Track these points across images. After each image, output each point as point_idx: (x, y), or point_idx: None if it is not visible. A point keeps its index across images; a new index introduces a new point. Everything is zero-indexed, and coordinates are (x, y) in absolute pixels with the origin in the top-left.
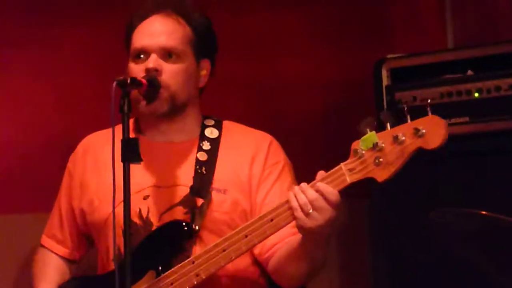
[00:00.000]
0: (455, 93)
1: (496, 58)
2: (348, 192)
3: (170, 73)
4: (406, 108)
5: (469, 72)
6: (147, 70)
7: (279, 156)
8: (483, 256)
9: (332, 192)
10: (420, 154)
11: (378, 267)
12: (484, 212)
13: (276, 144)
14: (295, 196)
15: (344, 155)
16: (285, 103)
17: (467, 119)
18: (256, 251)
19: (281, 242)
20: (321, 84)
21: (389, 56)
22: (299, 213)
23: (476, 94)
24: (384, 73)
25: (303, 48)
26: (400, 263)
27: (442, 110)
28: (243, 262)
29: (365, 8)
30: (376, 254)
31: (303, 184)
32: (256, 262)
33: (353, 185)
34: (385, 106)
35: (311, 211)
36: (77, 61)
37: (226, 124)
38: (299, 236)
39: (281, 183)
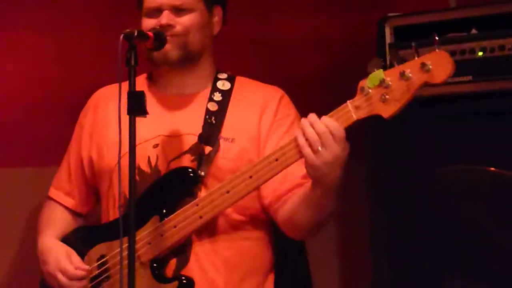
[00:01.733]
0: (458, 52)
1: (500, 17)
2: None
3: (183, 25)
4: (413, 45)
5: (473, 31)
6: (160, 26)
7: (289, 109)
8: (487, 213)
9: (338, 127)
10: (422, 113)
11: (377, 228)
12: (493, 169)
13: (287, 98)
14: (304, 130)
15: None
16: (287, 63)
17: (470, 78)
18: (266, 201)
19: (291, 192)
20: (324, 43)
21: (391, 14)
22: (307, 150)
23: (480, 53)
24: (387, 31)
25: (306, 7)
26: (400, 223)
27: None
28: (248, 210)
29: None
30: (376, 214)
31: (312, 115)
32: (262, 210)
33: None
34: (388, 64)
35: (319, 148)
36: (80, 15)
37: (239, 78)
38: (308, 184)
39: (290, 135)
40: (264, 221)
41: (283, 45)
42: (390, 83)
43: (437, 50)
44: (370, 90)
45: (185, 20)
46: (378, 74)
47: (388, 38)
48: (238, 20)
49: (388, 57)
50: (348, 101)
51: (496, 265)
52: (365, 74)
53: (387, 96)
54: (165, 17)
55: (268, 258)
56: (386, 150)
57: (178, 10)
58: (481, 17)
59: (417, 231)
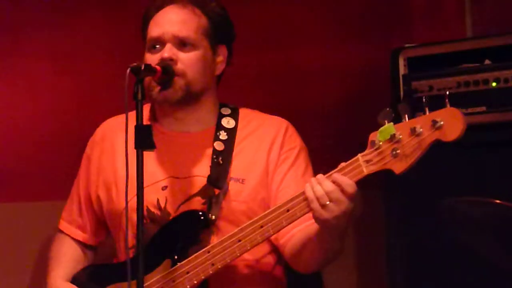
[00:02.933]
0: (472, 82)
1: None
2: (363, 183)
3: (186, 62)
4: (424, 100)
5: (487, 62)
6: (162, 60)
7: (295, 141)
8: (494, 244)
9: (349, 183)
10: (437, 143)
11: (393, 256)
12: (497, 201)
13: (292, 129)
14: (312, 188)
15: (361, 144)
16: (302, 93)
17: (484, 108)
18: (273, 236)
19: (298, 227)
20: (338, 73)
21: (407, 45)
22: (315, 205)
23: (494, 84)
24: (401, 62)
25: (320, 37)
26: (415, 252)
27: (459, 99)
28: (259, 251)
29: None
30: (391, 243)
31: (320, 176)
32: (273, 251)
33: (369, 176)
34: (401, 95)
35: (327, 202)
36: (94, 47)
37: (243, 111)
38: (315, 225)
39: (296, 168)
40: (276, 262)
41: (296, 75)
42: (401, 137)
43: (448, 107)
44: (381, 144)
45: (188, 57)
46: (388, 128)
47: (402, 70)
48: (250, 50)
49: (401, 88)
50: (359, 155)
51: None
52: (377, 105)
53: (398, 151)
54: (167, 50)
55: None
56: (402, 181)
57: (182, 45)
58: (495, 48)
59: (431, 263)
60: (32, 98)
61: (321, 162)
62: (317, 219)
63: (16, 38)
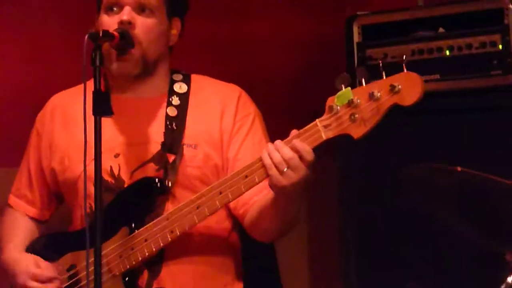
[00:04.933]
0: (426, 50)
1: (467, 15)
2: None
3: (143, 27)
4: (380, 65)
5: (440, 30)
6: (121, 22)
7: (249, 107)
8: (454, 212)
9: (308, 150)
10: (391, 112)
11: (347, 225)
12: (458, 168)
13: (245, 96)
14: (269, 154)
15: (316, 114)
16: (256, 63)
17: (438, 76)
18: (231, 205)
19: (256, 197)
20: (292, 42)
21: (360, 13)
22: (273, 171)
23: (447, 52)
24: (355, 30)
25: (273, 7)
26: (368, 222)
27: (413, 67)
28: (215, 217)
29: None
30: (345, 211)
31: (278, 142)
32: (229, 216)
33: (327, 141)
34: (356, 63)
35: (285, 169)
36: (46, 13)
37: (195, 77)
38: (272, 193)
39: (253, 135)
40: (232, 228)
41: (252, 45)
42: (359, 102)
43: (405, 71)
44: (339, 109)
45: (147, 22)
46: (346, 93)
47: (356, 37)
48: (204, 20)
49: (356, 56)
50: (317, 120)
51: (464, 265)
52: (332, 73)
53: (356, 116)
54: (126, 13)
55: (237, 265)
56: (355, 148)
57: (141, 10)
58: (449, 16)
59: (385, 232)
60: None
61: (275, 132)
62: (274, 186)
63: None
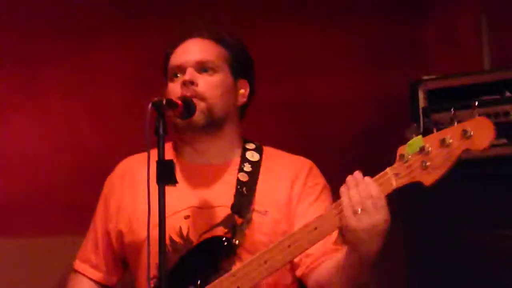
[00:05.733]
0: (492, 114)
1: None
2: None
3: (206, 84)
4: (453, 112)
5: (507, 94)
6: (183, 83)
7: (318, 179)
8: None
9: (380, 194)
10: (457, 175)
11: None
12: None
13: (316, 169)
14: (349, 188)
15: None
16: (318, 125)
17: (505, 141)
18: (296, 261)
19: (323, 257)
20: (356, 106)
21: (425, 77)
22: (349, 212)
23: None
24: (421, 95)
25: (337, 69)
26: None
27: None
28: (278, 275)
29: (399, 27)
30: (411, 271)
31: (358, 174)
32: (290, 271)
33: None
34: (421, 129)
35: (359, 210)
36: (111, 80)
37: (267, 149)
38: (343, 251)
39: (320, 203)
40: (291, 283)
41: (312, 107)
42: (430, 149)
43: (477, 117)
44: (410, 157)
45: (210, 79)
46: (417, 141)
47: (421, 102)
48: (267, 82)
49: (422, 121)
50: (388, 168)
51: None
52: (399, 138)
53: (428, 163)
54: (188, 74)
55: None
56: (422, 213)
57: (203, 70)
58: None
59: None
60: (48, 130)
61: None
62: (347, 229)
63: (33, 74)
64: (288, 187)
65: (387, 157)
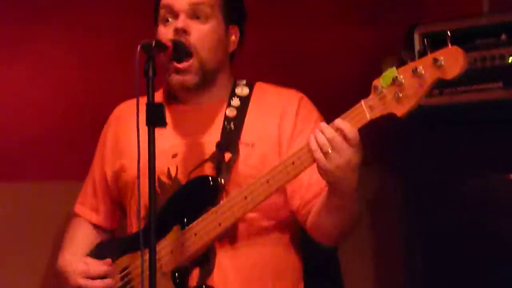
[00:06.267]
0: (488, 58)
1: None
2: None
3: (199, 34)
4: (426, 42)
5: (503, 37)
6: (176, 31)
7: (311, 112)
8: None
9: (351, 129)
10: (451, 119)
11: (411, 238)
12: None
13: (306, 100)
14: (314, 136)
15: (375, 122)
16: (316, 71)
17: (500, 84)
18: (294, 207)
19: (317, 198)
20: (352, 51)
21: (422, 21)
22: (318, 154)
23: (510, 59)
24: (416, 38)
25: (330, 16)
26: (432, 231)
27: (476, 75)
28: (274, 220)
29: None
30: (409, 223)
31: (322, 124)
32: (288, 220)
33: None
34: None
35: (329, 150)
36: (101, 26)
37: (259, 84)
38: (326, 190)
39: None
40: (292, 227)
41: (308, 55)
42: (403, 80)
43: (449, 45)
44: (383, 89)
45: (202, 28)
46: (391, 72)
47: (418, 46)
48: (265, 28)
49: None
50: (362, 100)
51: None
52: None
53: (400, 94)
54: (181, 21)
55: (296, 265)
56: (416, 158)
57: (195, 16)
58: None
59: (448, 239)
60: (45, 80)
61: None
62: (321, 172)
63: (23, 24)
64: (277, 120)
65: None
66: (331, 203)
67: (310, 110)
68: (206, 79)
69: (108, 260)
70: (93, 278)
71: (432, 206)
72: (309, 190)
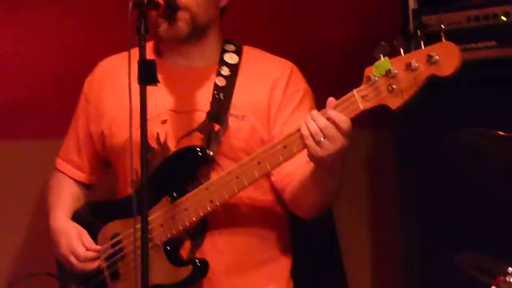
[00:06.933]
0: (482, 16)
1: None
2: (373, 123)
3: None
4: (419, 34)
5: None
6: None
7: (300, 83)
8: (502, 179)
9: (344, 120)
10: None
11: (405, 195)
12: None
13: (297, 72)
14: (306, 124)
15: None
16: (309, 31)
17: (494, 43)
18: (273, 178)
19: (296, 171)
20: (345, 10)
21: None
22: (310, 141)
23: (504, 18)
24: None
25: None
26: (425, 187)
27: (469, 34)
28: (260, 189)
29: None
30: (402, 183)
31: (314, 112)
32: (271, 190)
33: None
34: (411, 31)
35: (322, 139)
36: None
37: (247, 49)
38: (312, 165)
39: (301, 111)
40: (276, 201)
41: (302, 12)
42: (396, 72)
43: (443, 41)
44: (376, 79)
45: None
46: (384, 63)
47: (412, 4)
48: None
49: (411, 24)
50: (354, 90)
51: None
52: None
53: (394, 87)
54: None
55: (283, 239)
56: (410, 118)
57: None
58: None
59: (442, 200)
60: (37, 38)
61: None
62: (311, 156)
63: None
64: (267, 91)
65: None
66: (316, 181)
67: (299, 82)
68: (197, 33)
69: (99, 247)
70: (81, 261)
71: (423, 163)
72: (288, 172)
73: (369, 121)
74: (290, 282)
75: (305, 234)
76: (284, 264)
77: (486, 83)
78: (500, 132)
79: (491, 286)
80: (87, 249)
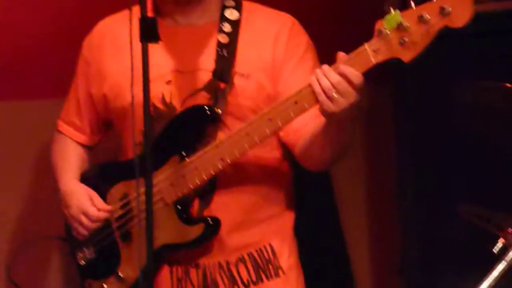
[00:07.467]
0: None
1: None
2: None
3: None
4: None
5: None
6: None
7: (301, 37)
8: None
9: (356, 74)
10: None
11: (402, 150)
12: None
13: (298, 25)
14: (318, 80)
15: (365, 37)
16: None
17: None
18: (282, 132)
19: (307, 125)
20: None
21: None
22: (322, 97)
23: None
24: None
25: None
26: (424, 145)
27: None
28: (266, 146)
29: None
30: (400, 138)
31: (325, 67)
32: (279, 145)
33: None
34: None
35: (335, 95)
36: None
37: (246, 4)
38: (323, 119)
39: (304, 64)
40: (282, 157)
41: None
42: (408, 25)
43: None
44: (388, 33)
45: None
46: (395, 16)
47: None
48: None
49: None
50: (365, 44)
51: None
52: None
53: (406, 39)
54: None
55: (288, 195)
56: (410, 73)
57: None
58: None
59: (441, 153)
60: None
61: (324, 55)
62: (324, 112)
63: None
64: (271, 46)
65: (374, 18)
66: (328, 136)
67: (301, 36)
68: None
69: (110, 207)
70: (92, 220)
71: (427, 117)
72: (298, 127)
73: (367, 76)
74: (294, 237)
75: (302, 191)
76: (288, 220)
77: (490, 36)
78: (508, 84)
79: (499, 238)
80: (99, 210)
